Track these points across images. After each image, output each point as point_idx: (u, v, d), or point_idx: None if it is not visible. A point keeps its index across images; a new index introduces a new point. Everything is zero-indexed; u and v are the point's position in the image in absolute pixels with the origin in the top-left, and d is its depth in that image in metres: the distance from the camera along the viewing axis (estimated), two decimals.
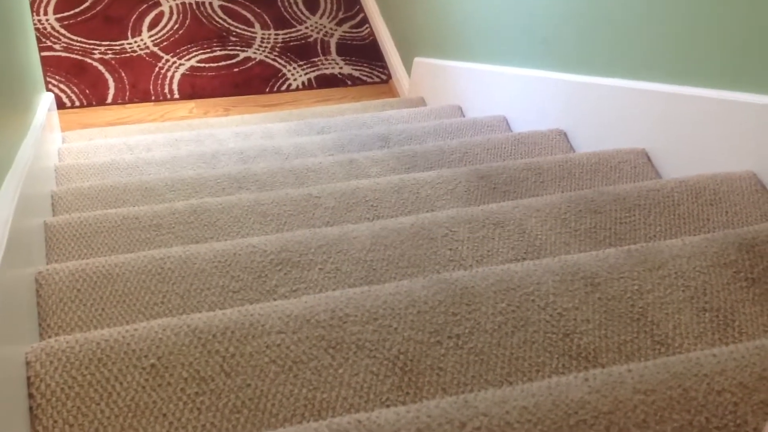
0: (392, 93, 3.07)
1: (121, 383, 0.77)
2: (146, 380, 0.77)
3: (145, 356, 0.79)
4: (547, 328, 0.87)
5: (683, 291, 0.91)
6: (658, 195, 1.23)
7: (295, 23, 3.25)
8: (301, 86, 3.01)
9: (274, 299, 1.05)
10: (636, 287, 0.92)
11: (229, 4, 3.25)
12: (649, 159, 1.51)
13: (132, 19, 3.11)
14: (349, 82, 3.08)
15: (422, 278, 0.94)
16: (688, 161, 1.39)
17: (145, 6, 3.17)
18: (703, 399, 0.65)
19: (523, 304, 0.89)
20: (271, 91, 2.97)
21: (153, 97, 2.85)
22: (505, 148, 1.79)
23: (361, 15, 3.35)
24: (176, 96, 2.87)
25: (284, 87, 2.99)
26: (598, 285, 0.92)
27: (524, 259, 1.14)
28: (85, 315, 0.98)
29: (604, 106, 1.68)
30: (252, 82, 2.98)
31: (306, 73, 3.06)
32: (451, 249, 1.15)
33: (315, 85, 3.03)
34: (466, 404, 0.64)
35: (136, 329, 0.82)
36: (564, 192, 1.46)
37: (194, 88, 2.90)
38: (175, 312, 1.00)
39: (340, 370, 0.82)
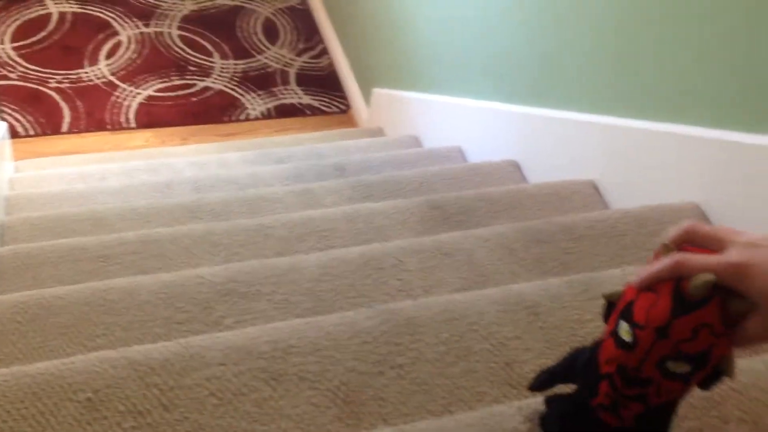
0: (351, 123, 3.09)
1: (56, 417, 0.76)
2: (81, 414, 0.76)
3: (81, 390, 0.78)
4: (489, 357, 0.88)
5: None
6: (603, 225, 1.25)
7: (254, 53, 3.26)
8: (260, 116, 3.01)
9: (220, 330, 1.04)
10: (576, 316, 0.93)
11: (189, 34, 3.25)
12: (597, 190, 1.53)
13: (89, 49, 3.09)
14: (309, 112, 3.09)
15: (367, 309, 0.94)
16: (635, 192, 1.42)
17: (102, 35, 3.16)
18: None
19: (465, 334, 0.90)
20: (229, 121, 2.97)
21: (109, 126, 2.83)
22: (459, 178, 1.80)
23: (321, 46, 3.37)
24: (133, 125, 2.85)
25: (243, 117, 2.99)
26: (539, 314, 0.93)
27: (472, 289, 1.15)
28: (26, 348, 0.97)
29: (556, 138, 1.71)
30: (210, 112, 2.97)
31: (265, 103, 3.06)
32: (399, 279, 1.16)
33: (274, 115, 3.03)
34: None
35: (72, 362, 0.80)
36: (515, 222, 1.47)
37: (151, 118, 2.89)
38: (118, 344, 0.99)
39: (281, 402, 0.81)
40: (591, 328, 0.91)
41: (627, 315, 0.57)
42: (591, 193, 1.52)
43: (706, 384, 0.57)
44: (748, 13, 1.11)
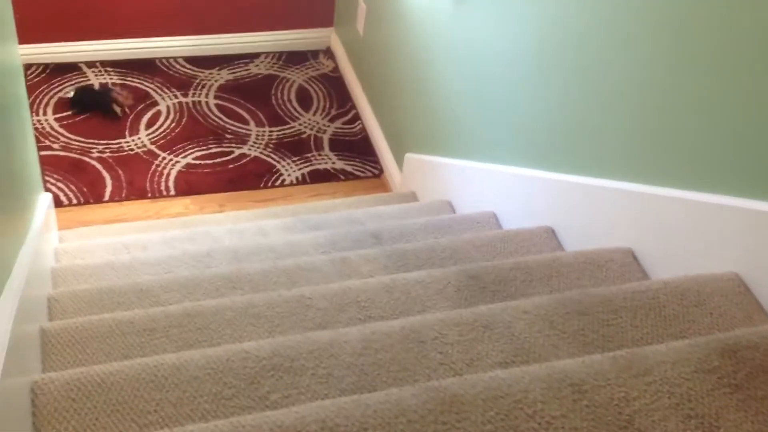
0: (384, 188, 3.13)
1: None
2: None
3: None
4: None
5: (669, 398, 0.93)
6: (643, 296, 1.26)
7: (288, 120, 3.33)
8: (294, 181, 3.06)
9: (267, 406, 1.06)
10: (623, 394, 0.93)
11: (225, 103, 3.34)
12: (635, 258, 1.54)
13: (130, 118, 3.18)
14: (342, 177, 3.13)
15: (412, 386, 0.95)
16: (674, 261, 1.42)
17: (142, 105, 3.26)
18: None
19: (511, 413, 0.91)
20: (265, 187, 3.02)
21: (149, 194, 2.89)
22: (494, 245, 1.82)
23: (354, 111, 3.43)
24: (172, 193, 2.91)
25: (278, 182, 3.05)
26: (585, 392, 0.93)
27: (513, 362, 1.16)
28: (80, 425, 0.99)
29: (592, 205, 1.72)
30: (247, 178, 3.03)
31: (300, 169, 3.12)
32: (441, 352, 1.17)
33: (308, 180, 3.08)
34: None
35: None
36: (552, 291, 1.48)
37: (190, 185, 2.95)
38: (168, 420, 1.01)
39: None
40: (638, 406, 0.92)
41: None
42: (629, 262, 1.53)
43: None
44: None
